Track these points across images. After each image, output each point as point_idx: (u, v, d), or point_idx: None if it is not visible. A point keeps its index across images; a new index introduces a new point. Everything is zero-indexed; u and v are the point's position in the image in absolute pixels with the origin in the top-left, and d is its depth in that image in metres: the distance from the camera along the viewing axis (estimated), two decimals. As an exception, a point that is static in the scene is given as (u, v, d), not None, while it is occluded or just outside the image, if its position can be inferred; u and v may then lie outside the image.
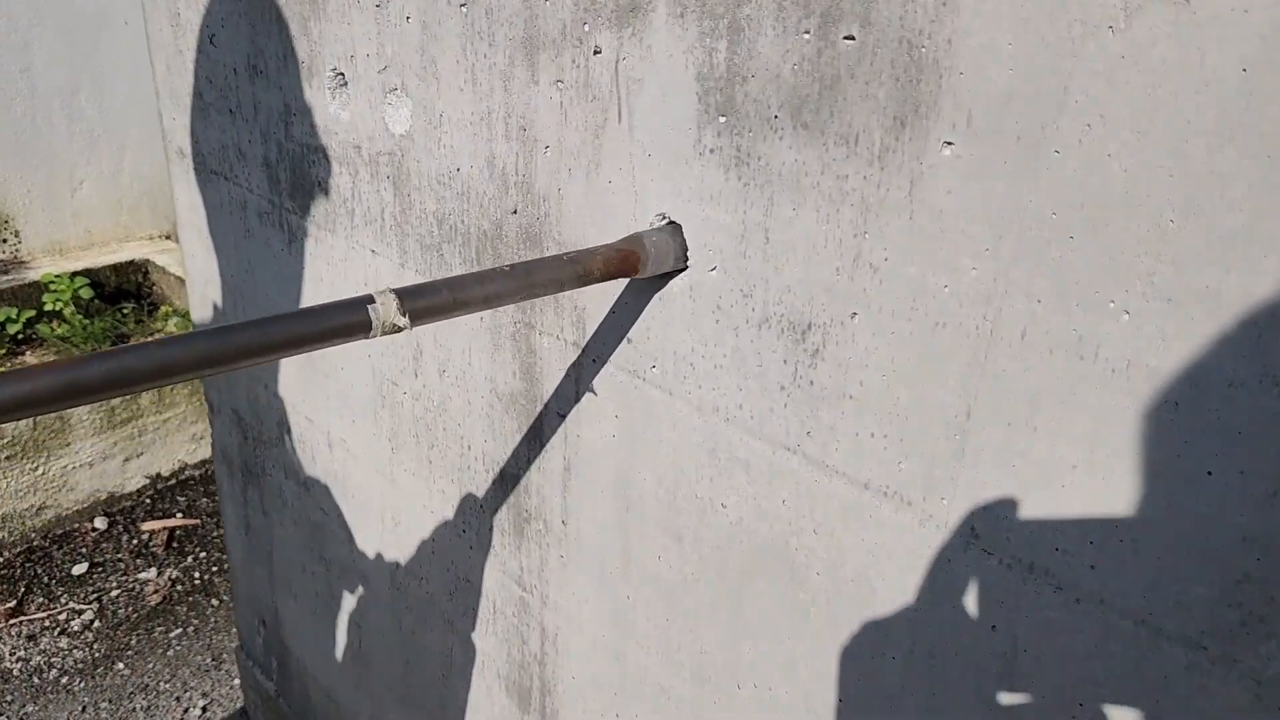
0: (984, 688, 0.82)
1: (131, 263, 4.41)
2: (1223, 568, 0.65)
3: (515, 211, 1.10)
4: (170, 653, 2.96)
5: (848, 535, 0.89)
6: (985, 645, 0.81)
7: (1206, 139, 0.60)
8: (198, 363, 0.66)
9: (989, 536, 0.78)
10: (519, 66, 1.04)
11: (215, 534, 3.48)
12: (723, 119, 0.87)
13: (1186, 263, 0.63)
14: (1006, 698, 0.81)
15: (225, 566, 3.32)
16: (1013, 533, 0.77)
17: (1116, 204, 0.65)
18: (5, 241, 4.25)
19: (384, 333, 0.74)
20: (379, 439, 1.48)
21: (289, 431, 1.70)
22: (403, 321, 0.75)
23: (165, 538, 3.44)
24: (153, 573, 3.31)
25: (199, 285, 1.85)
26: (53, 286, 4.14)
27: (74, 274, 4.24)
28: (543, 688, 1.32)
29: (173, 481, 3.73)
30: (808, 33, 0.78)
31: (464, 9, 1.07)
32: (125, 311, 4.26)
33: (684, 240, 0.94)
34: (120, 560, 3.35)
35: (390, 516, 1.52)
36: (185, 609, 3.16)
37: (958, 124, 0.72)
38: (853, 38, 0.76)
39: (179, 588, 3.24)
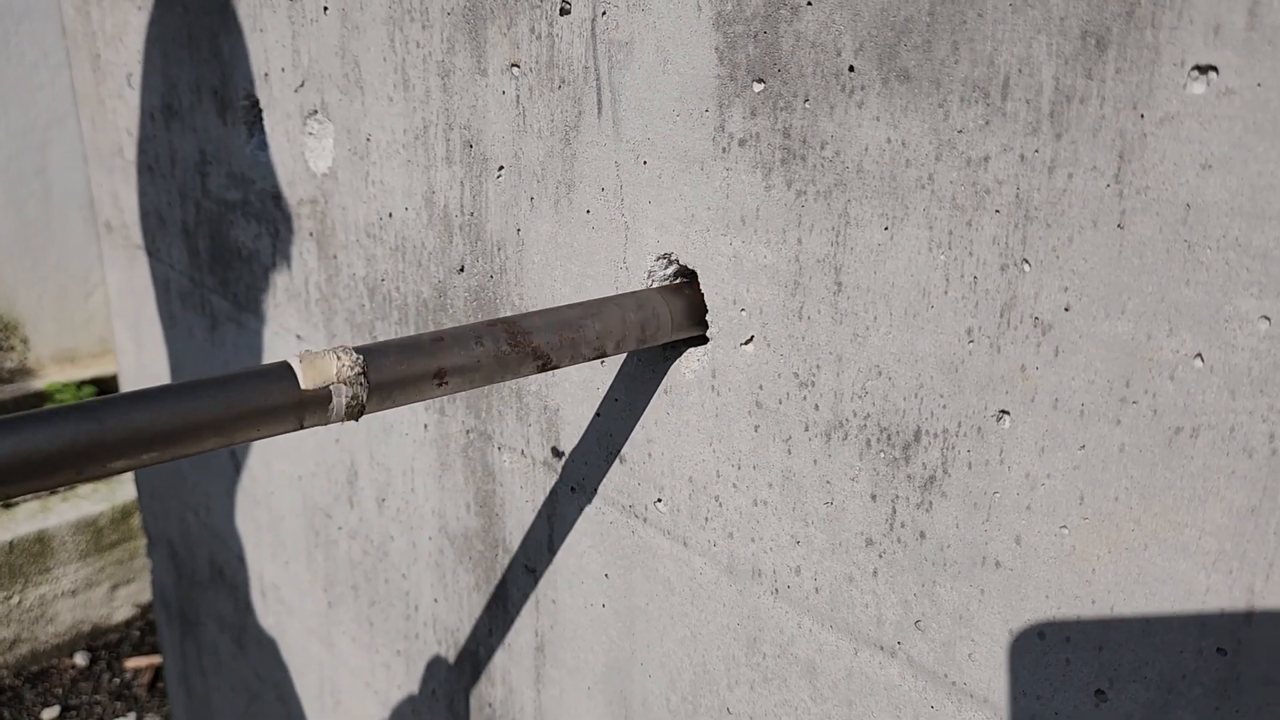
0: None
1: (144, 371, 4.15)
2: None
3: (462, 269, 0.75)
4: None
5: (993, 809, 0.49)
6: None
7: None
8: None
9: None
10: (460, 52, 0.70)
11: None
12: (759, 85, 0.51)
13: None
14: None
15: (213, 711, 2.93)
16: None
17: None
18: (13, 349, 4.01)
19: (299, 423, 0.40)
20: (313, 588, 1.11)
21: (220, 573, 1.34)
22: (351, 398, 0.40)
23: (150, 677, 3.07)
24: (131, 718, 2.93)
25: (131, 386, 1.52)
26: (58, 396, 3.88)
27: (82, 383, 3.98)
28: None
29: (145, 622, 3.38)
30: (910, -99, 0.43)
31: (388, -20, 0.74)
32: (134, 423, 3.98)
33: (699, 293, 0.58)
34: (97, 703, 2.98)
35: (329, 693, 1.13)
36: (164, 763, 2.77)
37: (1227, 25, 0.35)
38: (998, -106, 0.40)
39: (159, 738, 2.86)
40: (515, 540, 0.78)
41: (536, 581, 0.77)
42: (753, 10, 0.51)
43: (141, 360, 1.43)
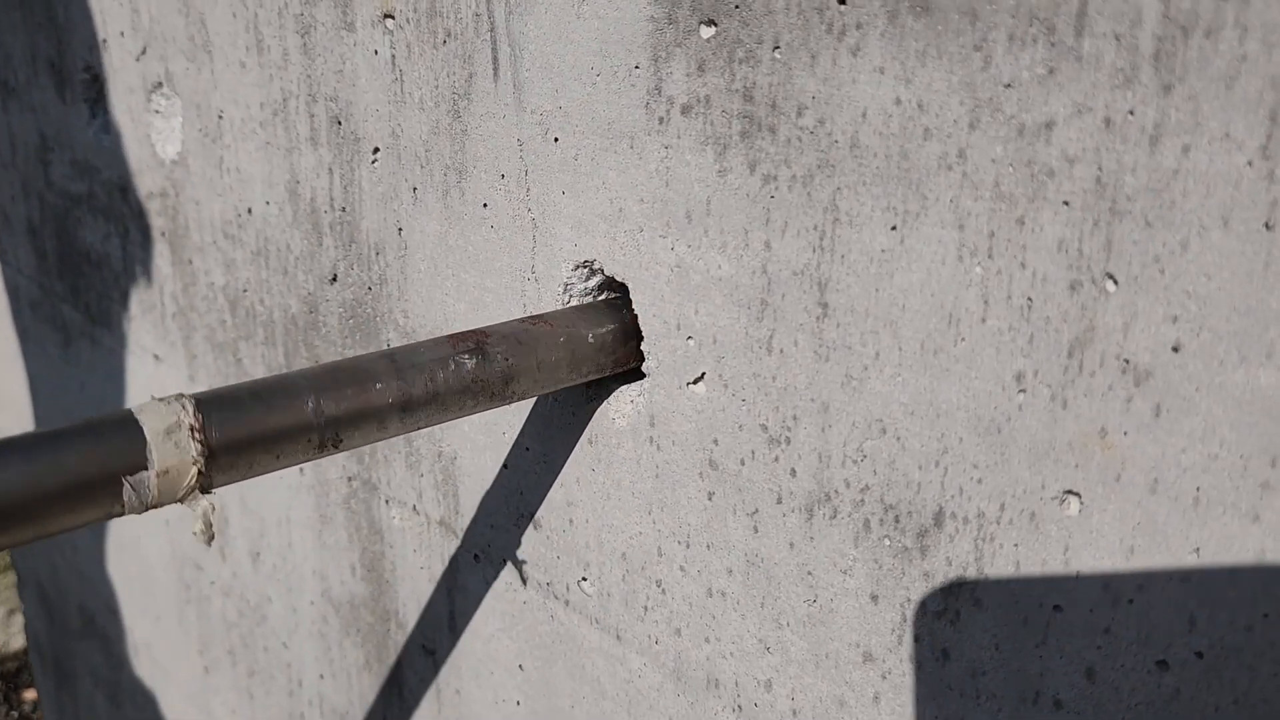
0: None
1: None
2: None
3: (335, 279, 0.60)
4: None
5: None
6: None
7: None
8: None
9: None
10: (322, 1, 0.54)
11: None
12: (710, 29, 0.37)
13: None
14: None
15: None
16: None
17: None
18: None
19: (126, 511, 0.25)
20: (187, 649, 0.94)
21: (91, 621, 1.16)
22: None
23: (52, 708, 2.85)
24: (32, 753, 2.71)
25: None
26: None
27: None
28: None
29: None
30: None
31: (232, -88, 0.58)
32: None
33: (630, 316, 0.43)
34: (-6, 737, 2.76)
35: (211, 768, 0.97)
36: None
37: None
38: None
39: (60, 774, 2.64)
40: (410, 614, 0.63)
41: (437, 666, 0.62)
42: (700, -77, 0.36)
43: (-2, 378, 1.24)
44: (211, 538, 0.31)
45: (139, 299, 0.83)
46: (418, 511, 0.60)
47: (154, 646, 1.02)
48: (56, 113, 0.88)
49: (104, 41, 0.77)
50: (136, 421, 0.29)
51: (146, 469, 0.29)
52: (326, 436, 0.33)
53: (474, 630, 0.58)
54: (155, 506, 0.30)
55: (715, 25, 0.37)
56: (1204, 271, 0.27)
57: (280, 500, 0.73)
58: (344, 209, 0.58)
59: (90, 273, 0.91)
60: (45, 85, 0.88)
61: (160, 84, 0.72)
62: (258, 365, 0.70)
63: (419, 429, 0.37)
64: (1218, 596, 0.29)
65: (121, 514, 0.30)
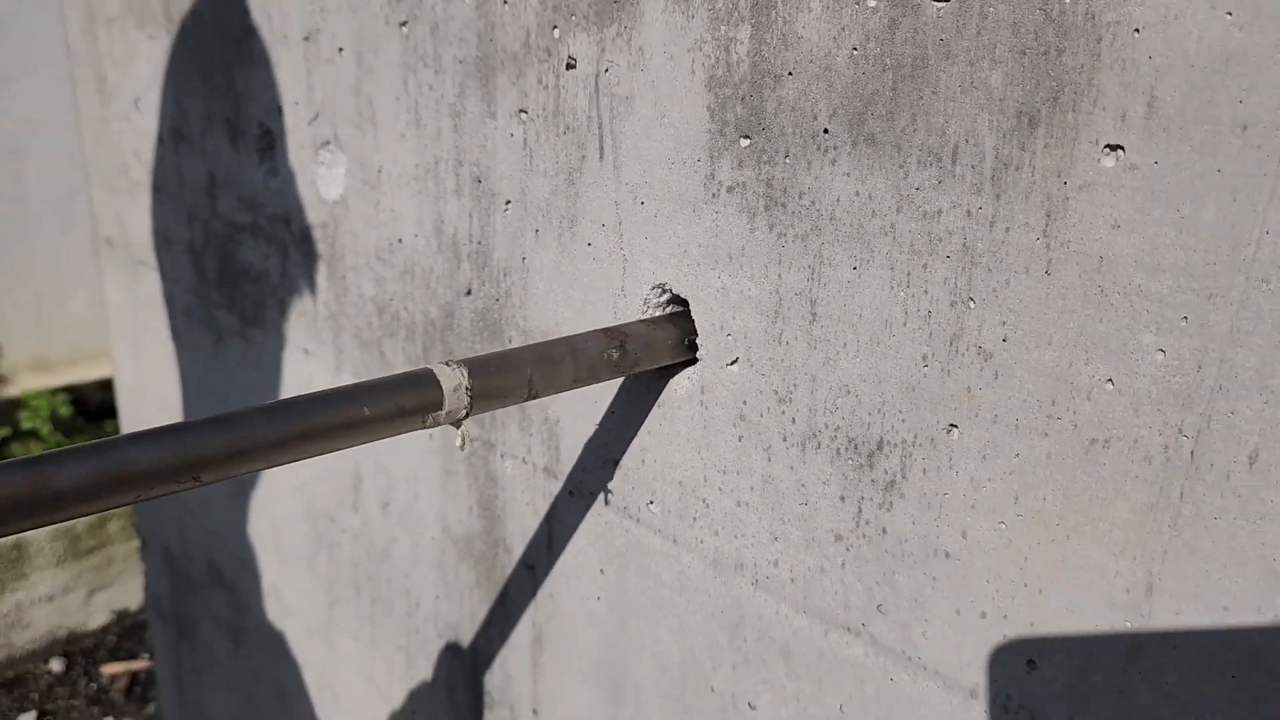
0: None
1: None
2: None
3: (469, 292, 0.83)
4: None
5: (944, 769, 0.57)
6: None
7: None
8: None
9: (1195, 795, 0.47)
10: (471, 96, 0.77)
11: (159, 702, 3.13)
12: (746, 141, 0.59)
13: None
14: None
15: (190, 716, 2.97)
16: (1240, 793, 0.46)
17: None
18: (-13, 357, 4.02)
19: (432, 426, 0.48)
20: (315, 589, 1.17)
21: (219, 575, 1.39)
22: (456, 410, 0.49)
23: (126, 683, 3.10)
24: (109, 723, 2.96)
25: (130, 403, 1.58)
26: (31, 403, 3.90)
27: (55, 390, 4.00)
28: None
29: (141, 618, 3.40)
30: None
31: (404, 29, 0.82)
32: (108, 430, 4.00)
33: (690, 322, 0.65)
34: (74, 708, 3.01)
35: (329, 690, 1.20)
36: (140, 767, 2.80)
37: (1131, 114, 0.43)
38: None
39: (135, 741, 2.89)
40: (516, 541, 0.86)
41: (536, 579, 0.84)
42: (740, 76, 0.59)
43: (140, 373, 1.48)
44: (464, 445, 0.53)
45: (293, 305, 1.07)
46: (526, 462, 0.82)
47: (281, 590, 1.25)
48: (227, 158, 1.12)
49: (279, 108, 1.01)
50: (436, 378, 0.51)
51: (441, 406, 0.51)
52: (533, 391, 0.55)
53: (566, 548, 0.80)
54: (439, 425, 0.52)
55: (750, 139, 0.59)
56: (1018, 297, 0.49)
57: (410, 461, 0.96)
58: (479, 243, 0.81)
59: (248, 285, 1.14)
60: (219, 136, 1.12)
61: (328, 143, 0.96)
62: (399, 357, 0.93)
63: (579, 388, 0.59)
64: (1028, 480, 0.51)
65: (425, 427, 0.51)
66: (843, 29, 0.53)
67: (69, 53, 1.42)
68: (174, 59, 1.16)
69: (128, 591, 3.37)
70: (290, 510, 1.18)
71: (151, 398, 1.47)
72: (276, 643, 1.29)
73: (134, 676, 3.18)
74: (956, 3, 0.48)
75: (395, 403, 0.49)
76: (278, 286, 1.08)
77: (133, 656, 3.28)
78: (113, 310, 1.52)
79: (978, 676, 0.55)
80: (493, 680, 0.92)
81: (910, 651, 0.57)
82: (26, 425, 3.90)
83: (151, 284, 1.38)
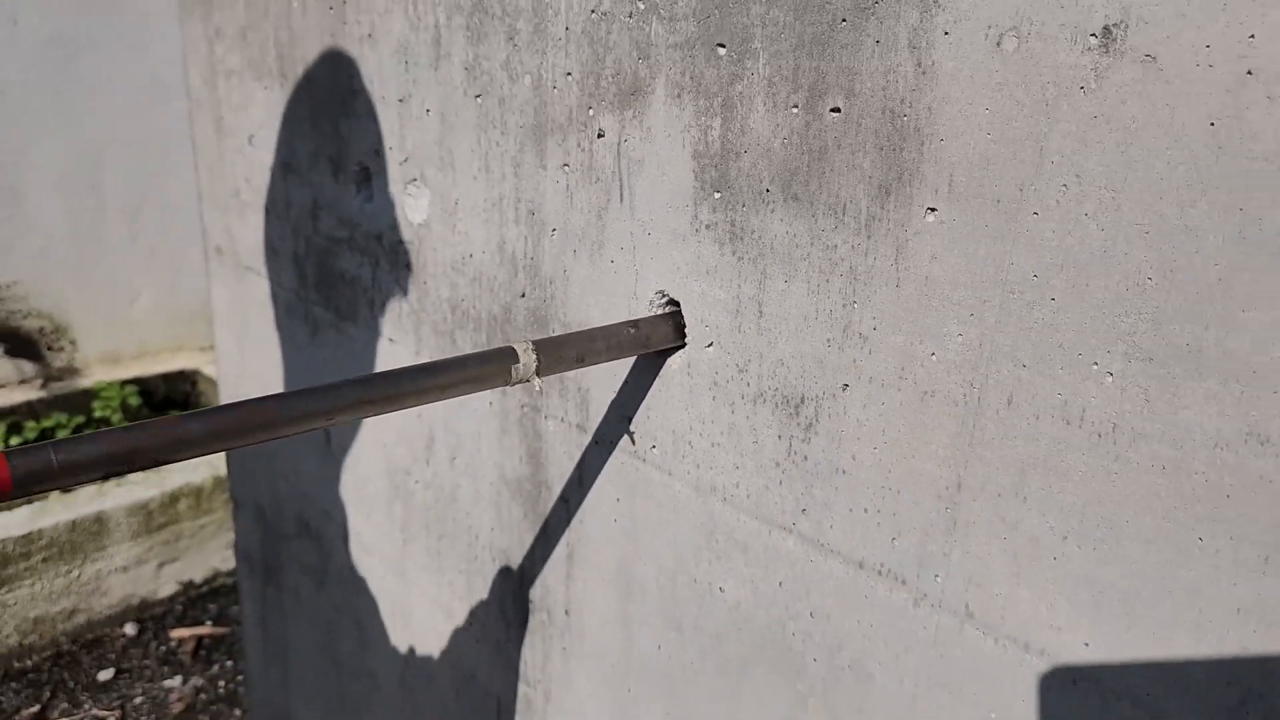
0: (984, 781, 0.77)
1: (181, 373, 4.51)
2: (1219, 641, 0.62)
3: (523, 295, 1.12)
4: (188, 764, 2.91)
5: (844, 618, 0.86)
6: (984, 734, 0.77)
7: (1179, 194, 0.60)
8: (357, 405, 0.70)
9: (983, 615, 0.75)
10: (528, 152, 1.06)
11: (241, 644, 3.45)
12: (717, 194, 0.88)
13: (1166, 320, 0.61)
14: (1007, 791, 0.76)
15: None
16: (1008, 610, 0.74)
17: (1096, 263, 0.64)
18: (62, 350, 4.37)
19: (517, 381, 0.78)
20: (391, 531, 1.47)
21: (307, 526, 1.69)
22: (531, 365, 0.79)
23: (193, 646, 3.42)
24: (178, 681, 3.27)
25: (230, 383, 1.88)
26: (103, 394, 4.24)
27: (125, 382, 4.34)
28: (544, 791, 1.27)
29: (205, 589, 3.73)
30: (796, 107, 0.80)
31: (479, 100, 1.11)
32: (172, 420, 4.33)
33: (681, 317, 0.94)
34: (147, 667, 3.32)
35: (399, 613, 1.49)
36: (208, 719, 3.11)
37: (940, 189, 0.72)
38: (838, 110, 0.77)
39: (203, 696, 3.20)
40: (555, 481, 1.14)
41: (570, 511, 1.13)
42: (714, 151, 0.87)
43: (243, 362, 1.79)
44: (540, 389, 0.82)
45: (382, 303, 1.36)
46: (564, 420, 1.11)
47: (363, 534, 1.54)
48: (330, 187, 1.41)
49: (376, 151, 1.31)
50: (515, 351, 0.80)
51: (518, 364, 0.80)
52: (579, 359, 0.84)
53: (593, 485, 1.09)
54: (518, 381, 0.80)
55: (720, 193, 0.88)
56: (881, 301, 0.77)
57: (473, 423, 1.25)
58: (531, 259, 1.10)
59: (343, 287, 1.44)
60: (324, 170, 1.42)
61: (415, 179, 1.25)
62: (467, 344, 1.22)
63: (606, 361, 0.88)
64: (890, 420, 0.79)
65: (510, 383, 0.80)
66: (777, 125, 0.81)
67: (189, 97, 1.73)
68: (288, 107, 1.46)
69: (193, 565, 3.69)
70: (372, 468, 1.48)
71: (251, 380, 1.77)
72: (356, 579, 1.58)
73: (199, 640, 3.50)
74: (843, 115, 0.77)
75: (493, 365, 0.78)
76: (369, 288, 1.38)
77: (198, 623, 3.60)
78: (218, 307, 1.83)
79: (863, 552, 0.83)
80: (535, 592, 1.21)
81: (823, 540, 0.86)
82: (99, 413, 4.25)
83: (256, 286, 1.68)
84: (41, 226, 4.25)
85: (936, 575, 0.78)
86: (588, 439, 1.08)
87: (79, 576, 3.40)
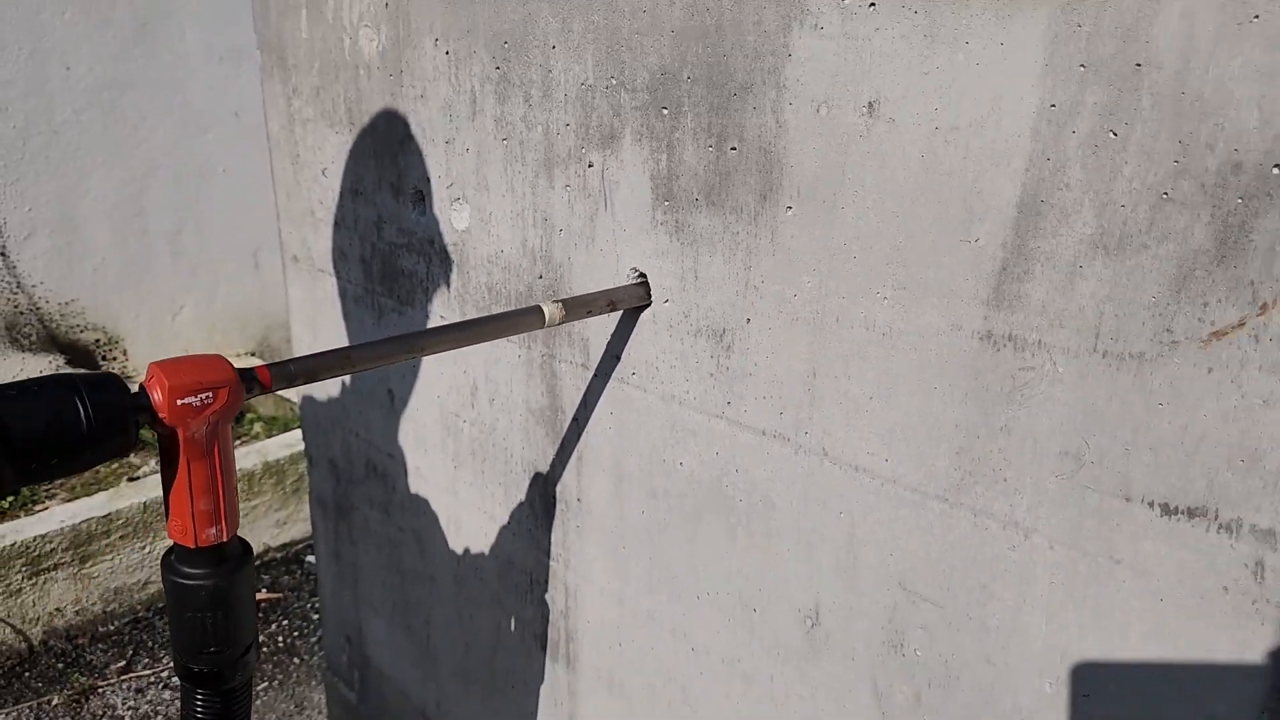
0: (840, 554, 1.26)
1: (222, 377, 5.00)
2: (951, 438, 1.11)
3: (540, 278, 1.61)
4: (258, 702, 3.40)
5: (756, 469, 1.34)
6: (837, 526, 1.26)
7: (910, 194, 1.09)
8: (440, 344, 1.18)
9: (832, 452, 1.24)
10: (541, 178, 1.56)
11: (295, 605, 3.94)
12: (667, 203, 1.37)
13: (911, 265, 1.11)
14: (848, 556, 1.25)
15: (305, 632, 3.77)
16: (845, 447, 1.23)
17: (874, 235, 1.13)
18: (115, 359, 4.86)
19: (550, 325, 1.26)
20: (445, 462, 1.96)
21: (374, 469, 2.18)
22: (559, 317, 1.27)
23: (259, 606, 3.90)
24: (242, 638, 3.75)
25: (304, 362, 2.37)
26: (156, 397, 4.71)
27: (174, 387, 4.81)
28: (567, 637, 1.76)
29: (258, 562, 4.22)
30: (711, 146, 1.29)
31: (504, 142, 1.60)
32: (216, 419, 4.82)
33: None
34: (214, 628, 3.80)
35: (453, 523, 1.98)
36: (271, 667, 3.60)
37: (793, 195, 1.21)
38: (735, 148, 1.26)
39: (264, 649, 3.69)
40: (567, 408, 1.63)
41: (578, 426, 1.62)
42: (663, 174, 1.36)
43: (316, 346, 2.27)
44: (561, 322, 1.30)
45: (434, 291, 1.85)
46: (572, 363, 1.60)
47: (421, 468, 2.03)
48: (391, 205, 1.90)
49: (427, 179, 1.80)
50: (542, 310, 1.29)
51: (544, 320, 1.29)
52: (588, 312, 1.33)
53: (595, 406, 1.58)
54: (549, 325, 1.29)
55: (668, 202, 1.37)
56: (764, 264, 1.26)
57: (507, 371, 1.74)
58: (545, 251, 1.59)
59: (403, 280, 1.93)
60: (385, 193, 1.91)
61: (459, 198, 1.74)
62: (501, 315, 1.71)
63: (605, 314, 1.36)
64: (778, 337, 1.27)
65: (535, 328, 1.29)
66: (700, 158, 1.30)
67: (269, 139, 2.22)
68: (354, 146, 1.95)
69: (253, 537, 4.16)
70: (428, 416, 1.97)
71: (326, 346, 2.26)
72: (416, 503, 2.07)
73: (258, 605, 3.98)
74: (739, 151, 1.26)
75: (532, 315, 1.27)
76: (424, 280, 1.87)
77: (254, 590, 4.08)
78: (295, 304, 2.32)
79: (764, 424, 1.32)
80: (554, 489, 1.70)
81: (740, 420, 1.35)
82: (153, 415, 4.70)
83: (327, 284, 2.17)
84: (95, 250, 4.75)
85: (806, 432, 1.27)
86: (590, 374, 1.57)
87: (151, 552, 3.88)
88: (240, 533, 1.06)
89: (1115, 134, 0.92)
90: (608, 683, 1.70)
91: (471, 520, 1.94)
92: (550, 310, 1.30)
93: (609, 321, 1.52)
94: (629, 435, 1.53)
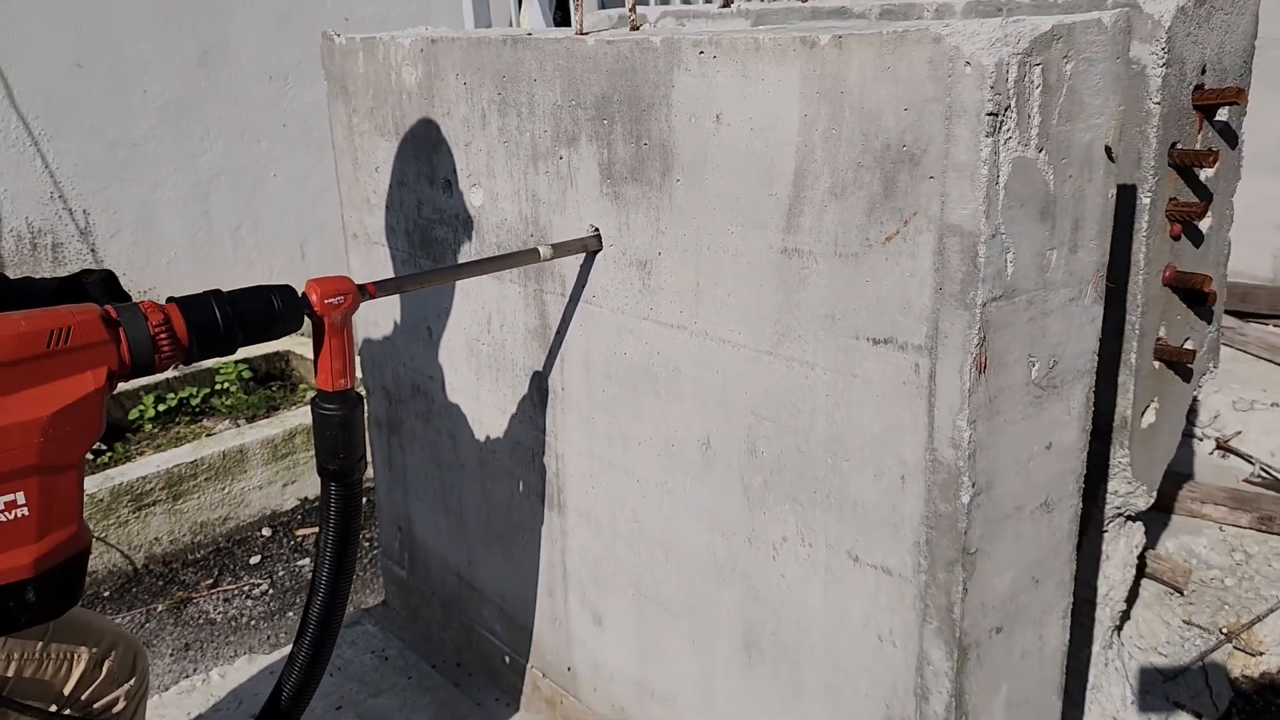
0: (718, 398, 2.01)
1: (278, 353, 5.79)
2: (771, 315, 1.86)
3: (532, 236, 2.36)
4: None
5: (669, 351, 2.09)
6: (716, 380, 2.00)
7: (740, 168, 1.83)
8: (466, 273, 1.93)
9: (711, 333, 1.98)
10: (530, 168, 2.31)
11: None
12: (609, 181, 2.12)
13: (745, 211, 1.85)
14: (723, 398, 2.00)
15: (360, 557, 4.54)
16: (717, 328, 1.97)
17: (725, 195, 1.88)
18: (187, 340, 5.65)
19: (543, 260, 2.01)
20: (469, 376, 2.71)
21: (417, 389, 2.94)
22: (549, 255, 2.02)
23: (315, 539, 4.68)
24: (308, 561, 4.54)
25: (360, 315, 3.13)
26: (222, 371, 5.51)
27: (236, 362, 5.61)
28: (558, 489, 2.51)
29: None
30: (633, 143, 2.03)
31: (505, 144, 2.35)
32: (274, 389, 5.62)
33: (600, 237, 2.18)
34: (283, 554, 4.59)
35: (476, 420, 2.74)
36: (332, 580, 4.37)
37: (680, 173, 1.95)
38: (647, 144, 2.00)
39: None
40: (554, 324, 2.38)
41: (560, 337, 2.37)
42: (606, 162, 2.11)
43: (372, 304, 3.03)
44: (552, 259, 2.05)
45: (459, 251, 2.61)
46: (555, 293, 2.35)
47: (452, 382, 2.79)
48: (428, 192, 2.66)
49: (454, 170, 2.55)
50: (539, 250, 2.03)
51: (540, 257, 2.03)
52: (569, 252, 2.07)
53: (570, 322, 2.33)
54: (545, 260, 2.04)
55: (610, 180, 2.11)
56: (668, 222, 2.01)
57: (512, 303, 2.49)
58: (535, 218, 2.34)
59: (436, 245, 2.69)
60: (424, 182, 2.67)
61: (476, 185, 2.50)
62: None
63: (578, 254, 2.11)
64: (684, 265, 2.02)
65: (533, 263, 2.03)
66: (628, 150, 2.05)
67: (334, 146, 2.98)
68: (399, 149, 2.71)
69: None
70: (457, 342, 2.72)
71: (380, 308, 3.02)
72: (449, 409, 2.83)
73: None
74: (649, 145, 2.00)
75: (531, 254, 2.02)
76: (452, 244, 2.63)
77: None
78: (354, 270, 3.08)
79: (673, 319, 2.06)
80: (546, 383, 2.46)
81: (659, 319, 2.09)
82: (220, 385, 5.52)
83: (380, 253, 2.93)
84: (168, 244, 5.55)
85: (695, 321, 2.01)
86: (566, 300, 2.33)
87: (229, 492, 4.67)
88: (291, 480, 1.86)
89: (835, 130, 1.66)
90: (586, 517, 2.45)
91: (489, 416, 2.69)
92: (544, 250, 2.05)
93: (576, 262, 2.27)
94: (592, 338, 2.28)
